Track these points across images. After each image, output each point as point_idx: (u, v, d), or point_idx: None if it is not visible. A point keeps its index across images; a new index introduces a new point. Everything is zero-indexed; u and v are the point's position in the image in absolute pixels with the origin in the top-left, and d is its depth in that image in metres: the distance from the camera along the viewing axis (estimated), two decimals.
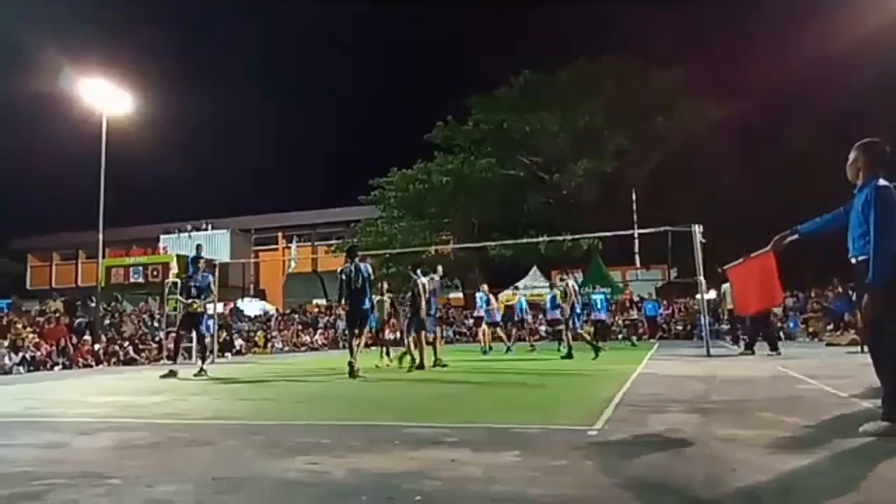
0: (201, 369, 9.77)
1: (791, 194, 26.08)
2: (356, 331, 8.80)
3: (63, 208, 41.18)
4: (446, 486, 2.64)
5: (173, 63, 56.96)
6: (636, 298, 23.34)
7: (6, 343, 13.43)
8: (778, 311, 17.66)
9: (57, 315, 16.42)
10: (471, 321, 26.13)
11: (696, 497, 2.41)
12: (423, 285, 9.87)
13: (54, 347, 14.15)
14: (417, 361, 9.41)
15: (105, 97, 17.36)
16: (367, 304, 8.89)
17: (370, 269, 9.06)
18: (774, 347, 10.83)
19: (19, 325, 14.13)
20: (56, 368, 13.59)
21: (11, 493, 2.71)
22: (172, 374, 9.34)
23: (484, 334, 14.63)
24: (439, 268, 11.36)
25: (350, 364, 8.17)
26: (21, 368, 12.94)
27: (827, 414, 4.38)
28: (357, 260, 8.90)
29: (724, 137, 26.28)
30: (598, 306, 16.72)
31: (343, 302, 8.77)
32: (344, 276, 8.77)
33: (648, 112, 26.33)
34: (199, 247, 16.74)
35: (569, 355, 11.07)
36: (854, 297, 11.85)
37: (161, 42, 55.51)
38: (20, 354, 13.26)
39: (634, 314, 22.02)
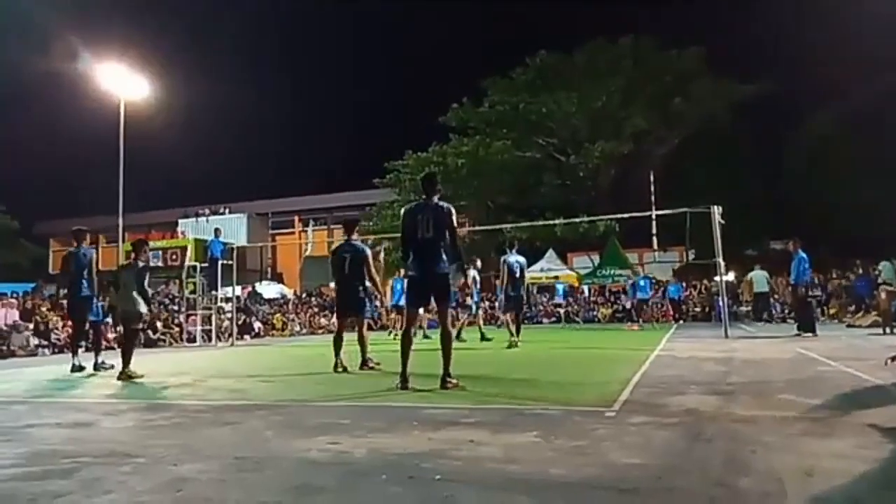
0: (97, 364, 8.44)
1: (811, 179, 25.63)
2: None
3: (84, 193, 41.58)
4: (466, 466, 2.66)
5: (191, 48, 57.11)
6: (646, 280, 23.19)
7: (31, 326, 13.71)
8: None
9: None
10: (486, 304, 26.26)
11: (716, 478, 2.41)
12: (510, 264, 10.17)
13: None
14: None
15: (123, 82, 17.49)
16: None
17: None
18: (812, 329, 11.16)
19: (44, 309, 14.38)
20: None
21: (43, 470, 2.79)
22: (80, 368, 8.29)
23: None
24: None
25: None
26: (46, 351, 13.21)
27: (847, 396, 4.35)
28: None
29: (745, 119, 25.86)
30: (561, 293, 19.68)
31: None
32: None
33: (667, 93, 25.92)
34: (217, 230, 16.95)
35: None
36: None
37: (178, 27, 55.57)
38: (44, 337, 13.53)
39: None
